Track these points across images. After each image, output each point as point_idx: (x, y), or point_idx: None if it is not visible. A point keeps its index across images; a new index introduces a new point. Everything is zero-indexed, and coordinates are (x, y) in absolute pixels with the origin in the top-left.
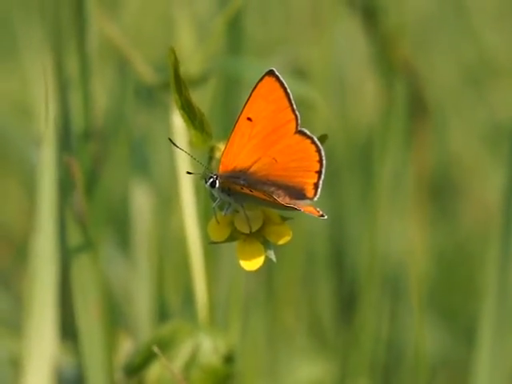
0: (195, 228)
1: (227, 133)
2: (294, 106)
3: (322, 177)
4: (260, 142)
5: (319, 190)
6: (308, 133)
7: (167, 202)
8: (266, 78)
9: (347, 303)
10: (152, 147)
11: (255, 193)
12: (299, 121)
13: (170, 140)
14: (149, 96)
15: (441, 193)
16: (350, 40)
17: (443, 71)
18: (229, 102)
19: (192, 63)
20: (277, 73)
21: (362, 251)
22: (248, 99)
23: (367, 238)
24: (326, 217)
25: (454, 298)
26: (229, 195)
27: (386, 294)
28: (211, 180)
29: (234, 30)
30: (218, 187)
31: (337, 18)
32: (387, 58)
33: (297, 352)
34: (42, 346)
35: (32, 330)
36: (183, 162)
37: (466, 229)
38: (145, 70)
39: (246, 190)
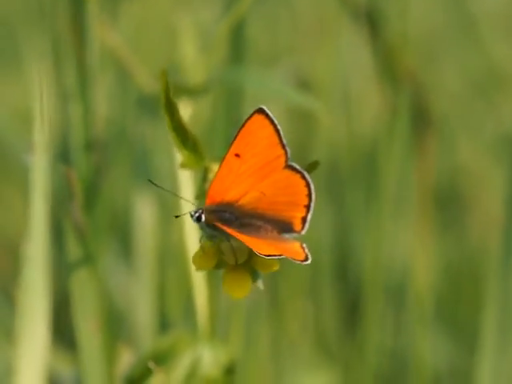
0: (196, 238)
1: (228, 143)
2: (284, 142)
3: (311, 211)
4: (249, 177)
5: (307, 224)
6: (297, 167)
7: (169, 211)
8: (256, 115)
9: (352, 314)
10: (154, 157)
11: (239, 236)
12: (289, 156)
13: (151, 181)
14: (151, 105)
15: (447, 203)
16: (354, 50)
17: (450, 81)
18: (231, 111)
19: (194, 73)
20: (267, 110)
21: (367, 262)
22: (236, 136)
23: (372, 249)
24: (309, 261)
25: (459, 309)
26: (214, 229)
27: (390, 304)
28: (197, 215)
29: (238, 38)
30: (204, 221)
31: (342, 28)
32: (392, 68)
33: (301, 363)
34: (34, 355)
35: (24, 338)
36: (184, 173)
37: (472, 239)
38: (146, 80)
39: (231, 231)
